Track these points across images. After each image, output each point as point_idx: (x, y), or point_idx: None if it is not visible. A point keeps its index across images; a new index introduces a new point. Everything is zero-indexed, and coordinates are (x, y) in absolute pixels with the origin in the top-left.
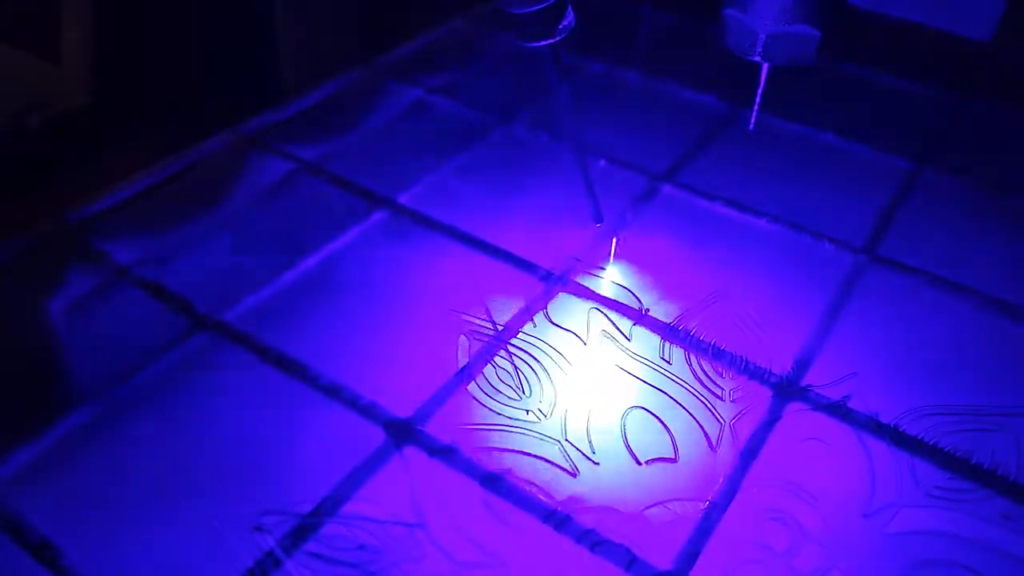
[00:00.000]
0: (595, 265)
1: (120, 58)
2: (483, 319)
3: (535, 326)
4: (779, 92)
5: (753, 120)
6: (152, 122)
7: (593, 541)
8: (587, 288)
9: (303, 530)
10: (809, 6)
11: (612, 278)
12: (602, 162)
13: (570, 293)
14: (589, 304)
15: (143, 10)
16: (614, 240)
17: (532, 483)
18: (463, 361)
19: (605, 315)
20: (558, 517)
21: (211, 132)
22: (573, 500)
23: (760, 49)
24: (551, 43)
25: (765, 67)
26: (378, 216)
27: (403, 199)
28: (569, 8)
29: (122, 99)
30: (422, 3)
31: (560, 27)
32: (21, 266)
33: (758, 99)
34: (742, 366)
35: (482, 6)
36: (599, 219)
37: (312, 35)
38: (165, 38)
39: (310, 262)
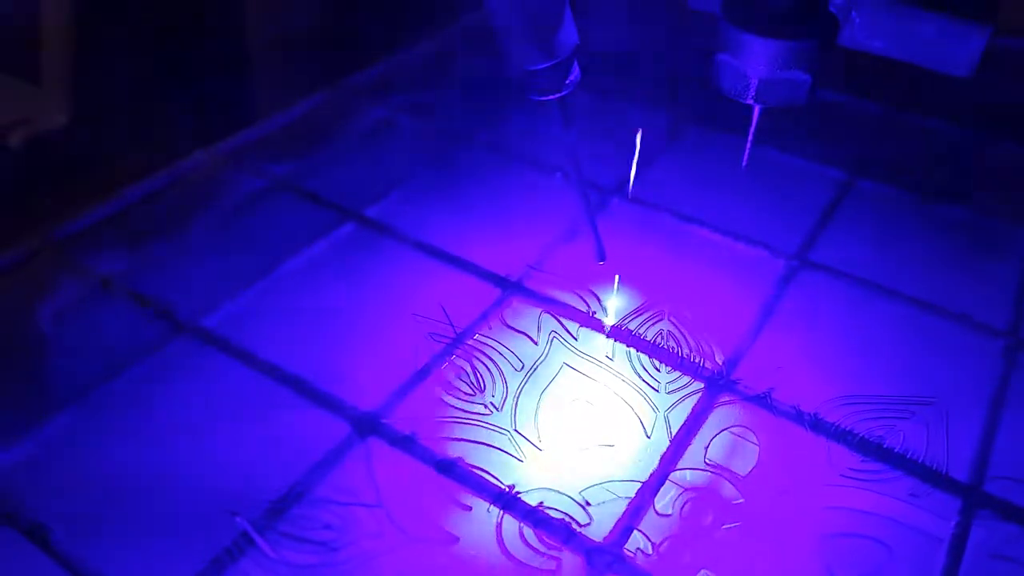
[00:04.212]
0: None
1: (99, 78)
2: (443, 322)
3: (490, 328)
4: (721, 109)
5: (746, 157)
6: (130, 141)
7: (536, 519)
8: (539, 293)
9: (274, 513)
10: (801, 52)
11: (615, 307)
12: (558, 175)
13: (524, 298)
14: (540, 308)
15: (122, 30)
16: (617, 277)
17: (483, 468)
18: (424, 360)
19: (555, 318)
20: (505, 498)
21: (188, 150)
22: (519, 483)
23: (753, 93)
24: (559, 97)
25: (757, 109)
26: (346, 229)
27: (370, 213)
28: (575, 63)
29: (101, 118)
30: (390, 25)
31: (567, 82)
32: (8, 279)
33: (750, 138)
34: (678, 362)
35: (450, 27)
36: (602, 258)
37: (283, 56)
38: (143, 59)
39: (282, 271)
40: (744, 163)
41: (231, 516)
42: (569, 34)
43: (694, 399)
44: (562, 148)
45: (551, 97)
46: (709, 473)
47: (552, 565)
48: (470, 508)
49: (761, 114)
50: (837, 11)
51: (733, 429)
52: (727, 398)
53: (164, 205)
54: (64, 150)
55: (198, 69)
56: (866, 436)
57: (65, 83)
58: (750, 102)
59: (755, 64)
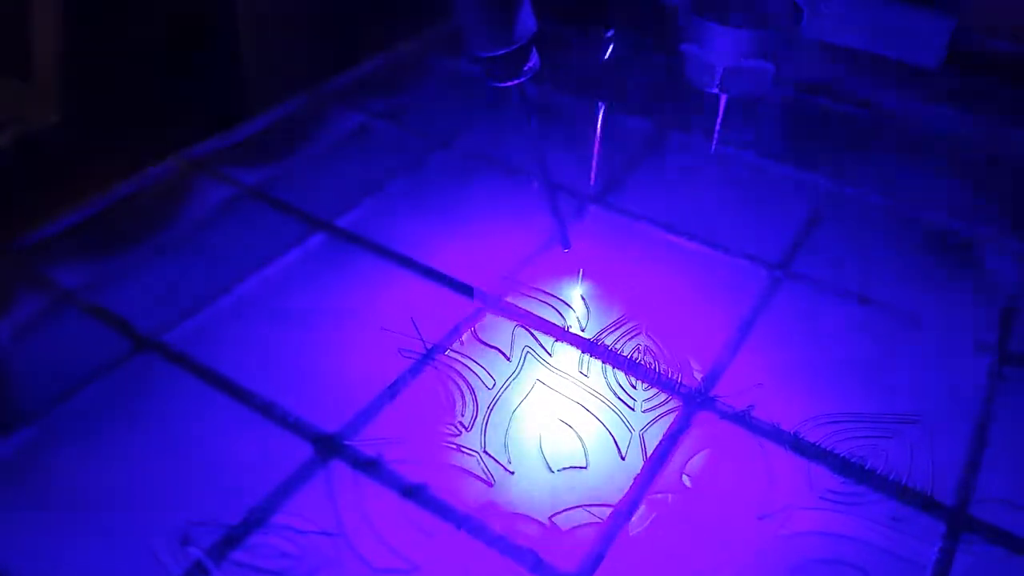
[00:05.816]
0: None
1: (90, 76)
2: (413, 337)
3: (463, 344)
4: (701, 114)
5: (714, 146)
6: (121, 141)
7: (503, 546)
8: (514, 307)
9: (230, 540)
10: (764, 42)
11: (574, 294)
12: (535, 183)
13: (498, 312)
14: (514, 322)
15: (113, 29)
16: (593, 289)
17: (450, 493)
18: (391, 378)
19: (529, 332)
20: (472, 524)
21: (155, 158)
22: (487, 507)
23: (718, 82)
24: (517, 83)
25: (723, 98)
26: (317, 239)
27: (342, 222)
28: (534, 50)
29: (92, 117)
30: (365, 30)
31: (526, 68)
32: None
33: (718, 127)
34: (655, 378)
35: (430, 30)
36: (566, 245)
37: (273, 57)
38: (134, 58)
39: (249, 284)
40: (712, 150)
41: (183, 543)
42: (527, 21)
43: (671, 418)
44: (523, 134)
45: (510, 83)
46: (684, 496)
47: None
48: (435, 535)
49: (744, 121)
50: (803, 3)
51: (710, 449)
52: (705, 416)
53: (127, 214)
54: (54, 149)
55: (190, 70)
56: (847, 456)
57: (56, 82)
58: (715, 91)
59: (719, 54)
